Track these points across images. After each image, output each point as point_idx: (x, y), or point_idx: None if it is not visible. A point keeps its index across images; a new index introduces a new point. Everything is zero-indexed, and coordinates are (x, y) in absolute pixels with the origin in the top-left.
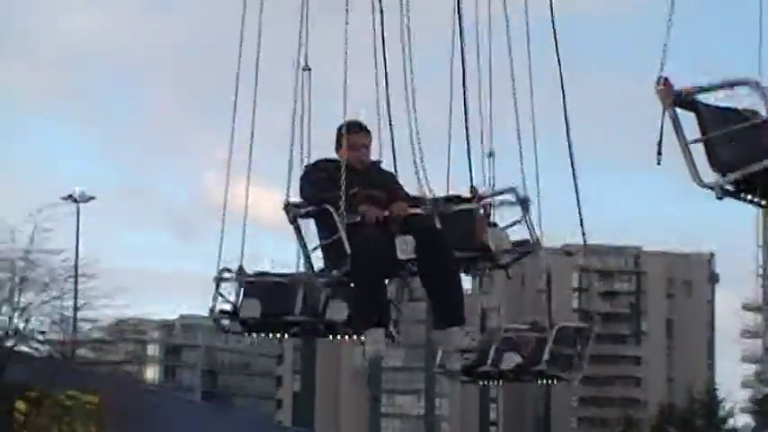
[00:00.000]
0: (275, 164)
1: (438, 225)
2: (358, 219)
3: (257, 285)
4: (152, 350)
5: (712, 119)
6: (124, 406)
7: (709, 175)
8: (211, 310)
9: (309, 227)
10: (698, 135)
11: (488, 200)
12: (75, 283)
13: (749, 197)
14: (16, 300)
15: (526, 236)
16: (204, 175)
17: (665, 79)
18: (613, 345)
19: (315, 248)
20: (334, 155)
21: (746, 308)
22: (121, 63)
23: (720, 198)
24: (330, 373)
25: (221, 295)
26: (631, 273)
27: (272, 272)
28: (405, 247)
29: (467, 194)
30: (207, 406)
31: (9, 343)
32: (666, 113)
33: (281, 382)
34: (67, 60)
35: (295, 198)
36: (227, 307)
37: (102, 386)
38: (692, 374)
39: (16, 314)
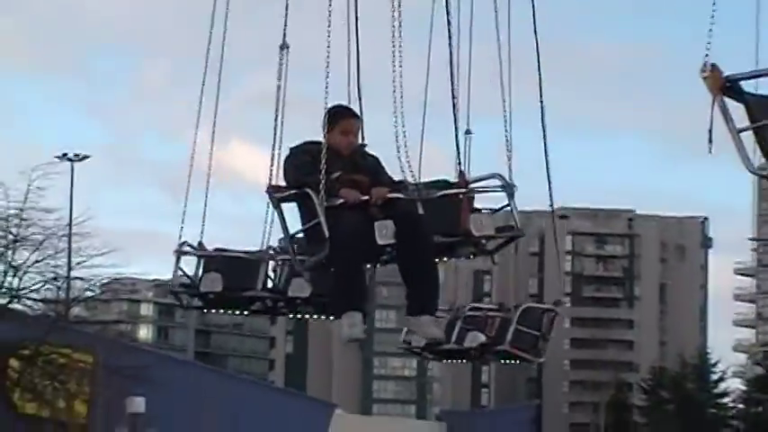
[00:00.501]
0: (265, 124)
1: (420, 211)
2: (338, 203)
3: (219, 260)
4: (145, 309)
5: (760, 107)
6: (117, 365)
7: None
8: (171, 284)
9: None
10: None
11: (473, 185)
12: (69, 241)
13: None
14: (10, 258)
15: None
16: (192, 135)
17: (713, 65)
18: (606, 308)
19: (296, 232)
20: (319, 136)
21: (739, 272)
22: (111, 23)
23: None
24: (323, 335)
25: (181, 270)
26: (624, 236)
27: (232, 248)
28: (384, 231)
29: (451, 177)
30: (200, 366)
31: (3, 300)
32: (715, 101)
33: (273, 343)
34: (56, 21)
35: (279, 181)
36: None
37: (96, 345)
38: (684, 338)
39: (10, 272)
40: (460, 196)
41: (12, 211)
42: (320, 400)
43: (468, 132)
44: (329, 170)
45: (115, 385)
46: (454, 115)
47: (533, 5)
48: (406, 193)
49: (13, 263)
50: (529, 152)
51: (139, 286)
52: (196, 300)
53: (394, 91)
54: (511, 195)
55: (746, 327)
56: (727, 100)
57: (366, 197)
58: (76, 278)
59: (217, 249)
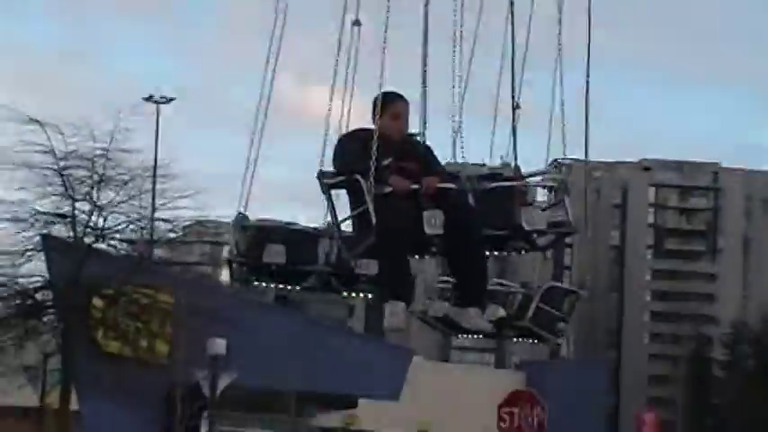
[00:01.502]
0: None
1: (471, 202)
2: (388, 190)
3: (278, 232)
4: (227, 252)
5: None
6: (197, 306)
7: None
8: (229, 253)
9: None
10: None
11: (528, 179)
12: (154, 182)
13: None
14: (96, 197)
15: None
16: (278, 78)
17: None
18: (688, 261)
19: (345, 219)
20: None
21: None
22: None
23: None
24: None
25: (239, 241)
26: (709, 189)
27: (289, 223)
28: (433, 221)
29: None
30: (281, 309)
31: (88, 240)
32: None
33: None
34: None
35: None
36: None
37: (178, 286)
38: (766, 293)
39: (95, 212)
40: (514, 189)
41: (98, 152)
42: (399, 347)
43: (517, 107)
44: (379, 157)
45: (196, 326)
46: (513, 97)
47: None
48: (457, 183)
49: (99, 203)
50: (610, 101)
51: (222, 229)
52: (250, 271)
53: (454, 87)
54: (565, 191)
55: None
56: None
57: (416, 186)
58: (160, 219)
59: (273, 223)
